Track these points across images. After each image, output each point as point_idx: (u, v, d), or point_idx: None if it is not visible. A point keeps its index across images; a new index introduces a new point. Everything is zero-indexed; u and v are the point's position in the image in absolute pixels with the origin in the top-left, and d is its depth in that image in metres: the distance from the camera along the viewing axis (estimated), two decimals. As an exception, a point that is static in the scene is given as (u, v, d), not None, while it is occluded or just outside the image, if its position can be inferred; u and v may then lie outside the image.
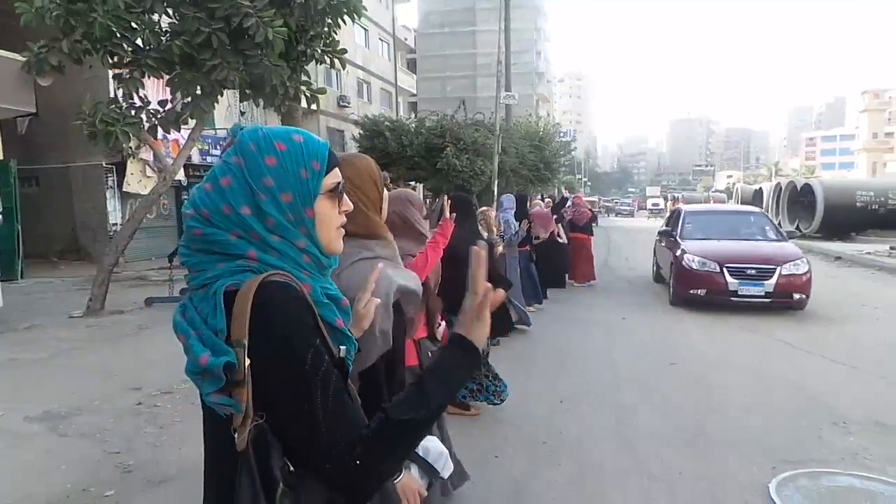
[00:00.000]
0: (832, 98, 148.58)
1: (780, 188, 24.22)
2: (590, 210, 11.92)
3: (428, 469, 1.79)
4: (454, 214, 3.50)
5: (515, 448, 4.08)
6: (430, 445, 1.84)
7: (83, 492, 3.35)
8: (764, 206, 26.91)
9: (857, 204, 20.00)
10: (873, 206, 19.94)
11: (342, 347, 1.09)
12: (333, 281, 1.31)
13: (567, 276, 11.11)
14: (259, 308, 0.97)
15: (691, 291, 8.83)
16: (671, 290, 9.51)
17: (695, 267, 8.85)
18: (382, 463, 1.02)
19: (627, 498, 3.42)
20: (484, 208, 7.08)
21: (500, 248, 6.62)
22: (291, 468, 0.99)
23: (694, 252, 9.10)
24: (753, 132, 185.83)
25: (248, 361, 0.96)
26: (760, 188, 30.43)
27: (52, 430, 4.25)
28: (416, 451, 1.79)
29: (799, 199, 22.34)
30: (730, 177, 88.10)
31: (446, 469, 1.84)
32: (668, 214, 12.20)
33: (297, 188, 1.07)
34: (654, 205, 55.04)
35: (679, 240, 9.87)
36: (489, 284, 1.13)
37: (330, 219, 1.13)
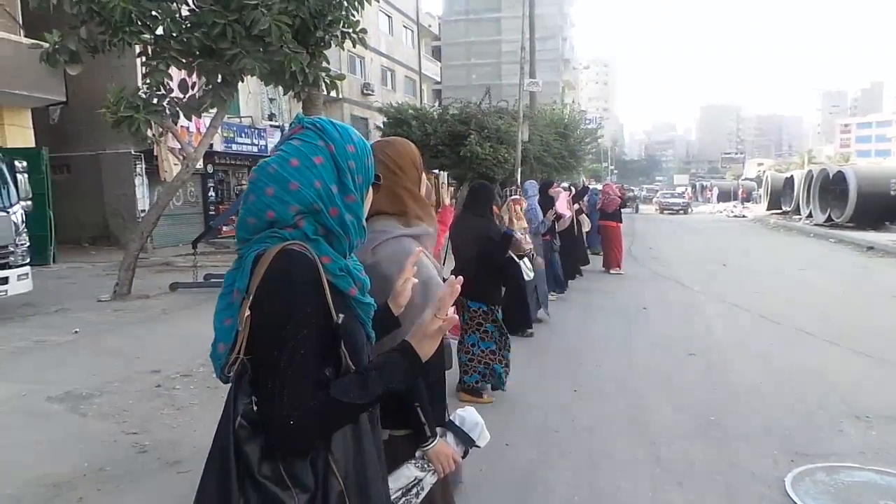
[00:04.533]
0: (868, 83, 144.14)
1: (812, 176, 23.57)
2: (619, 197, 11.80)
3: (463, 437, 1.84)
4: (454, 200, 3.47)
5: (527, 437, 4.07)
6: (466, 415, 1.89)
7: (99, 471, 3.43)
8: (795, 194, 26.31)
9: (892, 192, 19.36)
10: (911, 194, 19.28)
11: (341, 316, 1.20)
12: (368, 255, 1.67)
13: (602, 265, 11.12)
14: (269, 270, 1.14)
15: None
16: None
17: None
18: (312, 431, 1.14)
19: (637, 489, 3.39)
20: (515, 197, 7.00)
21: (526, 244, 6.49)
22: (255, 407, 1.14)
23: None
24: (785, 118, 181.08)
25: (248, 313, 1.14)
26: (791, 176, 29.65)
27: (73, 410, 4.36)
28: (452, 420, 1.88)
29: (831, 188, 21.73)
30: (760, 165, 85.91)
31: (482, 438, 1.88)
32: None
33: (364, 173, 1.30)
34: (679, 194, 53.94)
35: None
36: (454, 315, 1.25)
37: (369, 204, 1.38)
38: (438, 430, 1.78)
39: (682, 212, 37.74)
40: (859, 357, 5.93)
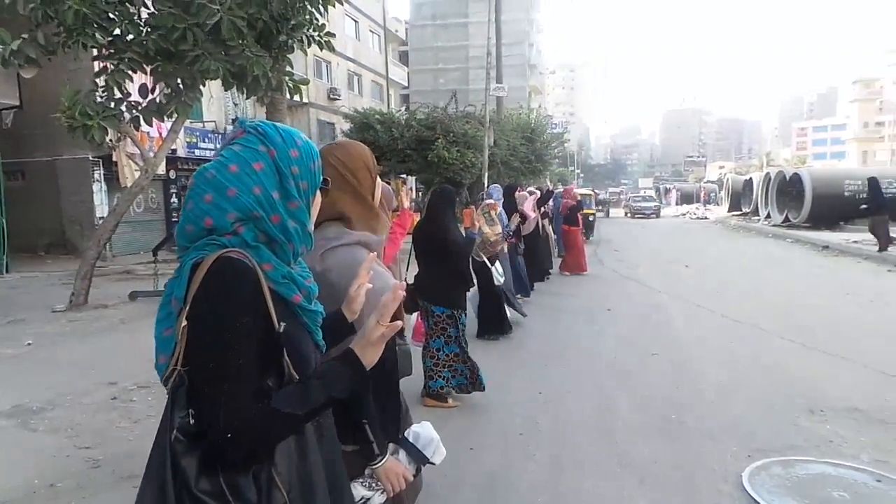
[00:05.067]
0: (824, 88, 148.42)
1: (770, 178, 24.26)
2: (574, 200, 11.95)
3: (416, 455, 1.79)
4: (413, 204, 3.45)
5: (491, 440, 4.06)
6: (421, 431, 1.84)
7: (50, 487, 3.31)
8: (754, 196, 27.01)
9: (845, 193, 20.02)
10: (861, 195, 19.91)
11: (283, 324, 1.17)
12: (317, 262, 1.62)
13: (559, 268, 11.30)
14: (206, 278, 1.11)
15: None
16: None
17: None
18: (252, 443, 1.11)
19: (601, 488, 3.41)
20: (490, 202, 7.06)
21: (497, 245, 6.56)
22: (192, 420, 1.10)
23: None
24: (746, 122, 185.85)
25: (184, 323, 1.10)
26: (750, 178, 30.51)
27: (23, 425, 4.20)
28: (406, 436, 1.82)
29: (788, 189, 22.38)
30: (721, 168, 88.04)
31: (437, 455, 1.84)
32: None
33: (310, 178, 1.27)
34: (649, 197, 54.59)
35: None
36: (398, 322, 1.22)
37: (317, 209, 1.34)
38: (391, 446, 1.74)
39: (653, 216, 35.46)
40: (814, 353, 6.10)
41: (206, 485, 1.10)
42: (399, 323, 1.23)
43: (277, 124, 1.27)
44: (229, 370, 1.09)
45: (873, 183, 14.27)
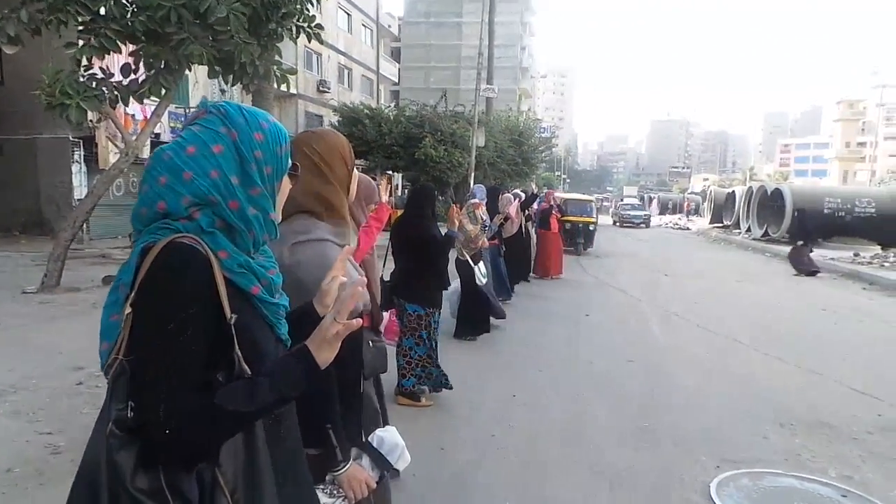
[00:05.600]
0: (809, 106, 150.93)
1: (752, 192, 24.54)
2: (548, 204, 11.94)
3: (380, 461, 1.73)
4: (390, 198, 3.41)
5: (463, 441, 4.04)
6: (386, 436, 1.78)
7: (7, 472, 3.21)
8: (736, 209, 27.31)
9: (825, 210, 20.29)
10: (840, 213, 20.25)
11: (234, 316, 1.10)
12: (286, 254, 1.57)
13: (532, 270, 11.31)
14: (154, 264, 1.05)
15: None
16: None
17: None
18: (192, 441, 1.04)
19: (569, 493, 3.40)
20: (475, 201, 7.03)
21: (480, 242, 6.55)
22: (130, 413, 1.04)
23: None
24: (731, 136, 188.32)
25: (129, 310, 1.04)
26: (733, 191, 30.87)
27: (-18, 408, 4.09)
28: (370, 441, 1.75)
29: (769, 204, 22.65)
30: (706, 180, 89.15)
31: (401, 461, 1.78)
32: None
33: (275, 163, 1.20)
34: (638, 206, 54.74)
35: None
36: (358, 320, 1.15)
37: (284, 196, 1.28)
38: (353, 451, 1.68)
39: (642, 225, 33.78)
40: (786, 366, 6.16)
41: (143, 483, 1.03)
42: (357, 321, 1.15)
43: (243, 105, 1.21)
44: (172, 362, 1.03)
45: (802, 216, 14.65)
